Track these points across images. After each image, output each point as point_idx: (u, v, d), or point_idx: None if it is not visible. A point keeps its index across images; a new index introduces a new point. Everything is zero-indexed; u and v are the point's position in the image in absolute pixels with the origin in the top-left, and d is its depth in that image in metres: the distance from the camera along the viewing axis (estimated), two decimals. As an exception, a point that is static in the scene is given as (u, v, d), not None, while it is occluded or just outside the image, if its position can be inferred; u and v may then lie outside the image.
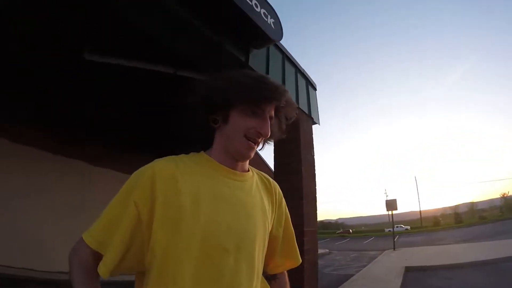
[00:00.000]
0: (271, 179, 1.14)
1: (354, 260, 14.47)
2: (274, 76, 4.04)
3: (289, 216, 1.20)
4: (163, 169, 0.89)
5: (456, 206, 68.25)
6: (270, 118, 0.97)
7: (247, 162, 1.04)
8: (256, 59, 3.68)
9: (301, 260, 1.22)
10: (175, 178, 0.87)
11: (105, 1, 2.79)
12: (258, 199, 1.01)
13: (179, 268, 0.82)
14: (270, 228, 1.06)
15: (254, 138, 0.95)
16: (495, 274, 8.15)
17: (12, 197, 5.60)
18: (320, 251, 18.75)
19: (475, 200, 69.25)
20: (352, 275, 9.74)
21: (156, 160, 0.92)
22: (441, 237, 20.59)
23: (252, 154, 0.97)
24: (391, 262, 12.30)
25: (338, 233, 57.65)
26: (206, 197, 0.88)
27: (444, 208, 75.55)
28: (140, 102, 5.48)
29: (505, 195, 63.53)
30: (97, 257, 0.86)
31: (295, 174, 3.91)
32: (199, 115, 0.97)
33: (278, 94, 0.95)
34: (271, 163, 5.10)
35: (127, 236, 0.84)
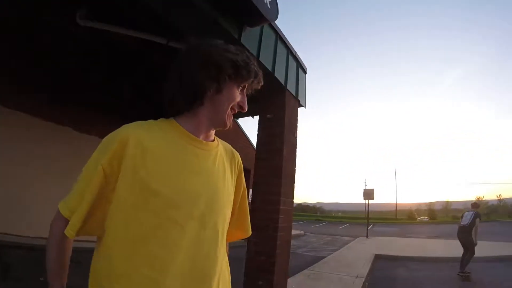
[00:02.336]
0: (233, 149, 1.18)
1: (328, 244, 14.81)
2: (266, 56, 4.03)
3: (246, 188, 1.23)
4: (132, 134, 0.89)
5: (432, 203, 70.05)
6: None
7: (214, 132, 1.08)
8: (249, 36, 3.64)
9: (250, 232, 1.26)
10: (144, 144, 0.88)
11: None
12: (222, 169, 1.05)
13: (141, 232, 0.84)
14: (232, 198, 1.10)
15: (235, 110, 1.03)
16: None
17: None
18: (296, 232, 19.17)
19: (450, 200, 71.20)
20: (324, 257, 10.00)
21: (124, 125, 0.93)
22: (414, 231, 21.11)
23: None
24: (363, 249, 12.62)
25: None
26: (174, 165, 0.91)
27: (419, 204, 77.42)
28: (126, 68, 5.43)
29: (480, 199, 66.45)
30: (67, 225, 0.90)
31: (277, 154, 3.96)
32: (200, 78, 0.95)
33: (261, 77, 1.07)
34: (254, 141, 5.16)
35: (93, 198, 0.86)
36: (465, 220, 7.75)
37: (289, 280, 4.53)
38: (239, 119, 7.28)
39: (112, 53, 5.05)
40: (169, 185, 0.88)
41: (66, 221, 0.89)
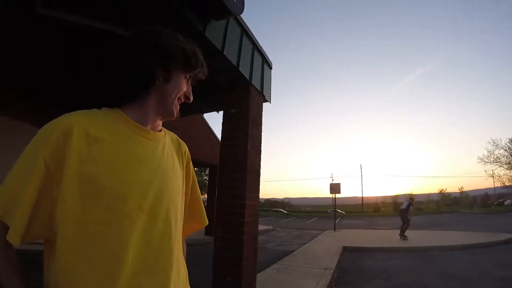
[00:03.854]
0: (180, 139, 1.15)
1: (296, 238, 15.01)
2: (231, 50, 4.00)
3: (196, 177, 1.21)
4: (76, 124, 0.83)
5: (396, 196, 72.60)
6: None
7: (161, 122, 1.05)
8: (213, 30, 3.60)
9: (207, 222, 1.24)
10: (89, 134, 0.83)
11: None
12: (170, 159, 1.02)
13: (90, 229, 0.79)
14: (182, 188, 1.08)
15: (182, 100, 1.02)
16: (423, 259, 8.85)
17: None
18: (264, 227, 19.35)
19: (413, 192, 74.04)
20: (293, 251, 10.12)
21: (66, 114, 0.86)
22: (379, 223, 21.83)
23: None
24: (331, 242, 12.88)
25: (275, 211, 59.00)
26: (121, 155, 0.86)
27: (385, 197, 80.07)
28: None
29: (442, 191, 70.08)
30: (6, 229, 0.79)
31: (241, 148, 3.95)
32: (149, 65, 0.92)
33: (206, 68, 1.06)
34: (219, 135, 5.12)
35: (35, 197, 0.78)
36: (403, 206, 14.29)
37: (259, 275, 4.55)
38: (204, 114, 7.22)
39: (70, 42, 4.83)
40: (117, 177, 0.83)
41: (2, 225, 0.80)
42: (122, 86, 0.93)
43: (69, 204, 0.78)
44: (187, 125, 11.55)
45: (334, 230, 18.63)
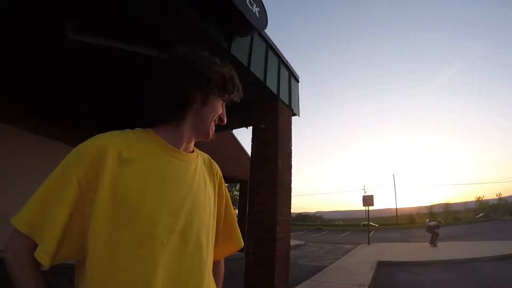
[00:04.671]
0: (212, 160, 1.15)
1: (329, 253, 14.73)
2: (257, 66, 4.04)
3: (229, 197, 1.19)
4: (110, 146, 0.84)
5: (431, 206, 70.13)
6: None
7: (193, 143, 1.05)
8: (239, 46, 3.65)
9: (243, 244, 1.21)
10: (122, 156, 0.84)
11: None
12: (202, 181, 1.02)
13: (122, 250, 0.78)
14: (214, 210, 1.06)
15: (216, 122, 1.03)
16: (463, 272, 8.48)
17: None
18: (296, 242, 19.09)
19: (450, 201, 71.32)
20: (326, 266, 9.92)
21: (100, 135, 0.87)
22: (415, 235, 21.13)
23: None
24: (365, 256, 12.58)
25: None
26: (153, 178, 0.87)
27: (420, 207, 77.41)
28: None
29: (480, 199, 66.95)
30: (33, 245, 0.77)
31: (271, 164, 3.94)
32: (188, 88, 0.93)
33: (242, 91, 1.08)
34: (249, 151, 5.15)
35: (67, 217, 0.77)
36: (431, 224, 16.57)
37: (291, 292, 4.48)
38: (233, 130, 7.28)
39: (100, 64, 5.02)
40: (148, 199, 0.83)
41: (28, 240, 0.77)
42: (159, 108, 0.94)
43: (100, 224, 0.78)
44: (216, 141, 11.74)
45: (368, 244, 18.22)
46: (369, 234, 19.54)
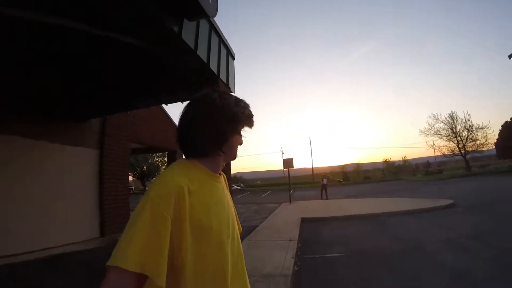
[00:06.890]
0: (221, 172, 1.39)
1: (256, 213, 15.39)
2: (202, 47, 4.18)
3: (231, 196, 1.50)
4: (184, 185, 1.05)
5: (344, 166, 75.64)
6: None
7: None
8: (187, 30, 3.74)
9: (241, 229, 1.50)
10: (190, 190, 1.06)
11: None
12: (227, 193, 1.33)
13: (206, 258, 1.07)
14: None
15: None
16: (378, 225, 9.83)
17: None
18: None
19: (360, 162, 77.61)
20: (257, 226, 10.65)
21: (170, 175, 1.10)
22: (330, 192, 22.70)
23: None
24: (289, 214, 13.64)
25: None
26: (209, 201, 1.14)
27: (333, 167, 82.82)
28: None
29: (387, 160, 74.69)
30: (137, 278, 0.94)
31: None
32: (228, 131, 1.20)
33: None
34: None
35: (167, 248, 0.97)
36: (324, 182, 22.11)
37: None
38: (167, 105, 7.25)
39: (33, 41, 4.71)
40: (213, 218, 1.11)
41: (134, 275, 0.93)
42: (200, 145, 1.18)
43: (188, 246, 1.05)
44: (150, 114, 11.89)
45: (290, 202, 19.46)
46: (290, 193, 20.98)
